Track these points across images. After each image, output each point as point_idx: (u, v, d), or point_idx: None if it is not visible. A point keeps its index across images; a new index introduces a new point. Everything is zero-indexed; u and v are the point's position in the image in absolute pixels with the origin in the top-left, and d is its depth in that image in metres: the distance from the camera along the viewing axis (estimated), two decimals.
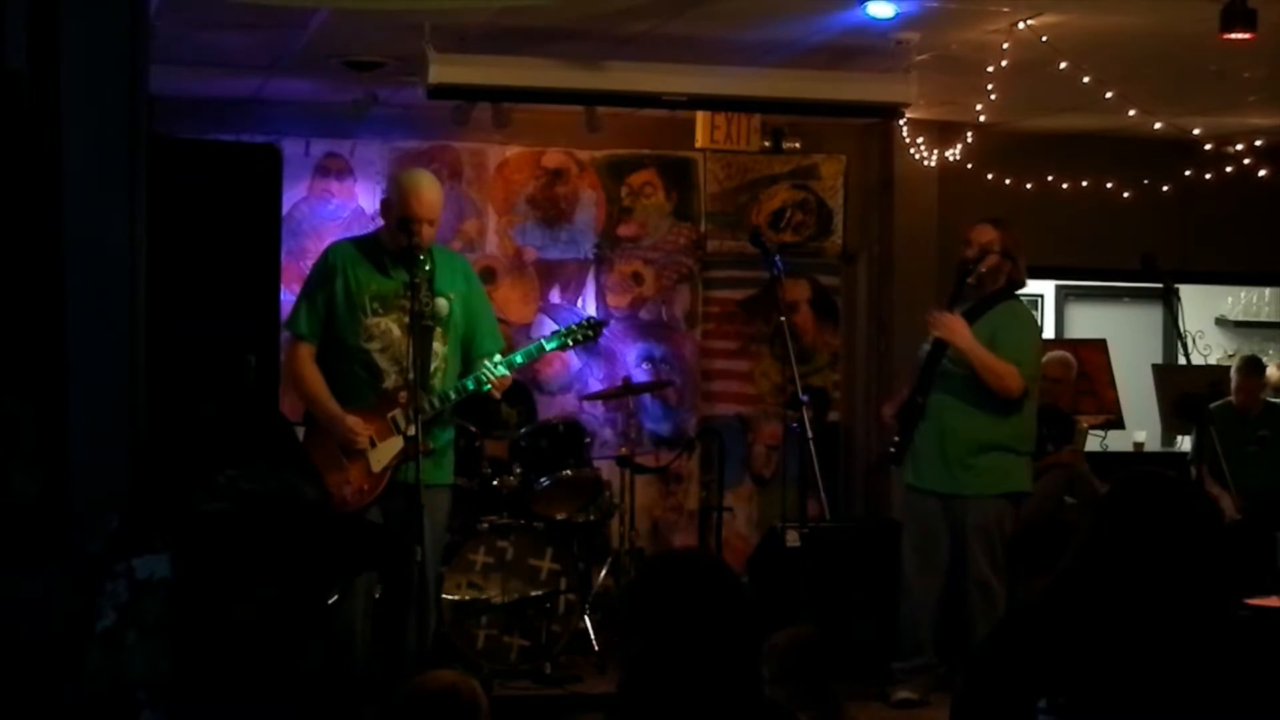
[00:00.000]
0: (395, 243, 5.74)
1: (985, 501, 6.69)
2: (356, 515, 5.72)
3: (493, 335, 6.02)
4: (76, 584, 3.37)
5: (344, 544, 5.78)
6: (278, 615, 3.02)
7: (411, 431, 5.60)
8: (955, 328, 6.62)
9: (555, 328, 8.93)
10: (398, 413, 5.74)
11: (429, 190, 5.77)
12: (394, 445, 5.74)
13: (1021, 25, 6.70)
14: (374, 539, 5.72)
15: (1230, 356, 10.48)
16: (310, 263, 8.73)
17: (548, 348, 6.09)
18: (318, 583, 3.34)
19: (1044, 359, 8.59)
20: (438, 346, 5.80)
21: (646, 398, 9.04)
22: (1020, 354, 6.67)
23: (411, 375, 5.55)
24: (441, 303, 5.81)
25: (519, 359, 5.96)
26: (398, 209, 5.72)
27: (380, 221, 6.03)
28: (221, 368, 6.85)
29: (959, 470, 6.68)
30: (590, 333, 6.20)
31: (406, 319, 5.68)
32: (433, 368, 5.76)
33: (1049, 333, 10.86)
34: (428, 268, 5.73)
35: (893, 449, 6.92)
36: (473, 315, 5.91)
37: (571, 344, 6.21)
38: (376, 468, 5.75)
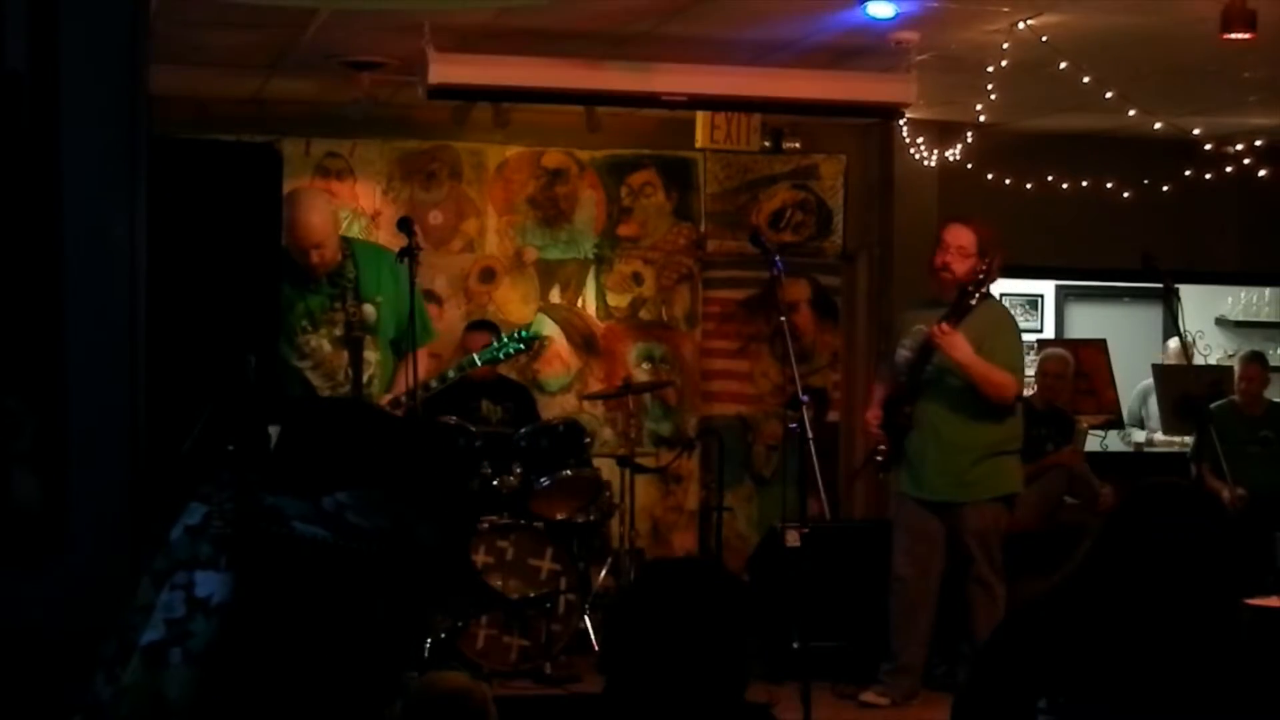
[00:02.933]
0: (300, 263, 5.78)
1: (983, 506, 6.70)
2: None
3: (422, 331, 6.08)
4: (146, 567, 3.24)
5: (448, 591, 5.60)
6: (353, 669, 2.89)
7: None
8: (959, 344, 6.57)
9: (555, 327, 9.03)
10: None
11: (311, 215, 5.78)
12: None
13: (1021, 25, 6.69)
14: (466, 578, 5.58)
15: (1230, 356, 10.48)
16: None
17: (479, 361, 6.25)
18: (406, 639, 3.20)
19: (1042, 356, 8.63)
20: (369, 355, 5.84)
21: (646, 398, 9.04)
22: (1012, 360, 6.67)
23: (414, 386, 5.54)
24: (369, 309, 5.85)
25: (451, 374, 6.10)
26: (286, 238, 5.76)
27: (379, 228, 6.04)
28: (222, 368, 6.84)
29: (960, 479, 6.67)
30: (521, 345, 6.33)
31: (336, 333, 5.75)
32: (366, 376, 5.81)
33: (1049, 332, 10.87)
34: (351, 276, 5.77)
35: (880, 458, 6.90)
36: (401, 314, 5.93)
37: (503, 357, 6.36)
38: None
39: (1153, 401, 10.31)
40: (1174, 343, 9.97)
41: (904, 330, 6.95)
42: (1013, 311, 10.66)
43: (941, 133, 8.99)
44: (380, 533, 3.03)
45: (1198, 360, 9.81)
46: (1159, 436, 10.16)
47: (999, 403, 6.60)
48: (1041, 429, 8.17)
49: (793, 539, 7.18)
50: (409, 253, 5.65)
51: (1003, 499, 6.76)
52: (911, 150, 8.90)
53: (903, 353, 6.82)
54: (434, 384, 6.26)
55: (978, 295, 6.58)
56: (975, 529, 6.68)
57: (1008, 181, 9.07)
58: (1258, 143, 8.89)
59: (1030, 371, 9.17)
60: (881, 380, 7.13)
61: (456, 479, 6.52)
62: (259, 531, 3.00)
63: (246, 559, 2.98)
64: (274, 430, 6.32)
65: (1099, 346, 9.62)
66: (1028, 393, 8.76)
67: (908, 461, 6.79)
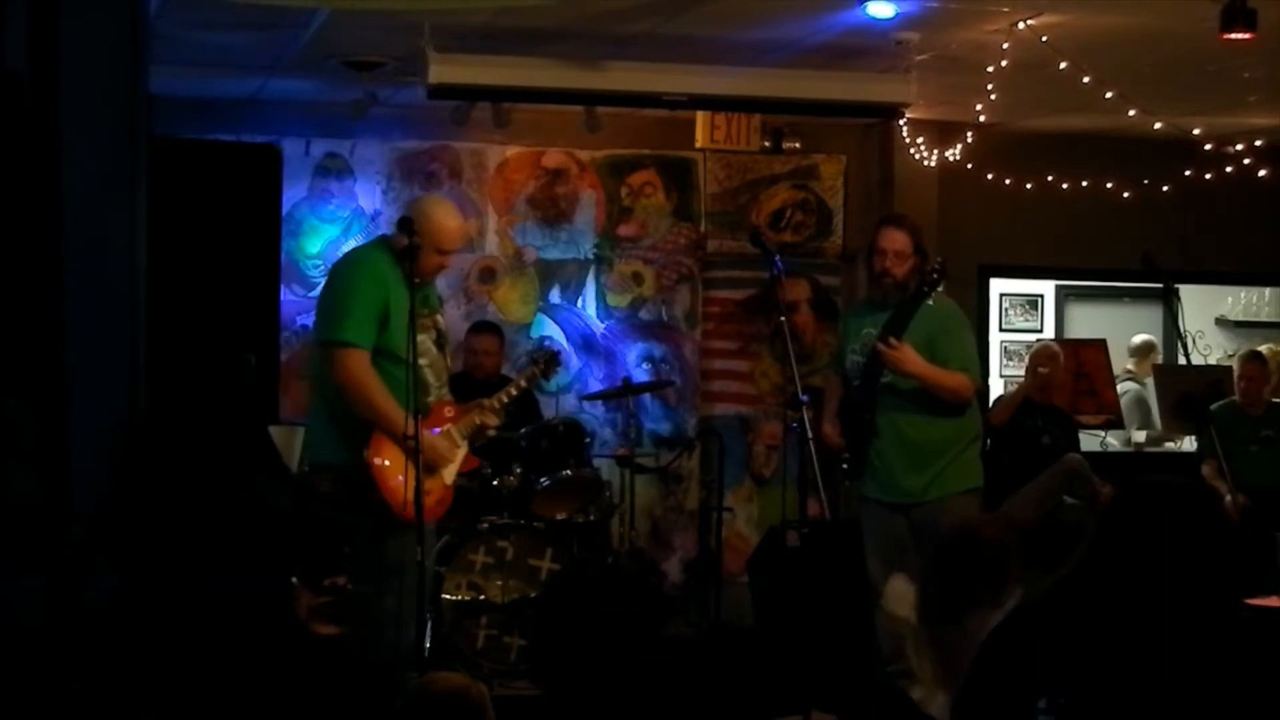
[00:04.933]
0: (423, 266, 5.75)
1: (954, 501, 6.67)
2: (328, 519, 5.76)
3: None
4: (51, 587, 3.36)
5: (315, 547, 5.83)
6: (245, 622, 3.02)
7: (463, 448, 5.74)
8: (909, 358, 6.52)
9: (555, 327, 9.04)
10: (450, 427, 5.80)
11: (456, 220, 5.83)
12: (458, 457, 5.83)
13: (1021, 25, 6.70)
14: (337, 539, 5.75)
15: (1230, 356, 10.48)
16: (310, 262, 8.78)
17: (523, 384, 6.31)
18: (283, 587, 3.36)
19: (1032, 352, 8.66)
20: (449, 362, 5.91)
21: (646, 398, 9.04)
22: (964, 358, 6.62)
23: (408, 383, 5.52)
24: (440, 319, 5.89)
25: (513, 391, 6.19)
26: (432, 240, 5.71)
27: (379, 229, 6.01)
28: (222, 367, 6.85)
29: (923, 478, 6.64)
30: (550, 367, 6.41)
31: (432, 337, 5.77)
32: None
33: (1049, 332, 10.87)
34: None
35: (846, 465, 6.87)
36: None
37: (543, 379, 6.43)
38: (449, 480, 5.79)
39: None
40: (1138, 339, 10.10)
41: (851, 333, 6.92)
42: (1013, 311, 10.75)
43: (941, 133, 8.99)
44: (240, 503, 3.18)
45: (1197, 360, 9.79)
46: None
47: (957, 403, 6.58)
48: (1037, 419, 8.20)
49: (793, 539, 7.19)
50: (409, 253, 5.64)
51: (970, 492, 6.75)
52: (911, 150, 8.90)
53: (853, 358, 6.78)
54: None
55: (926, 295, 6.53)
56: (952, 525, 6.65)
57: (1008, 181, 9.07)
58: (1258, 143, 8.89)
59: (1020, 372, 9.20)
60: (832, 387, 7.08)
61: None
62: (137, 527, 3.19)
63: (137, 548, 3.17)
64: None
65: (1099, 346, 9.62)
66: None
67: (872, 467, 6.75)
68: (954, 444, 6.64)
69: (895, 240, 6.67)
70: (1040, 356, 8.44)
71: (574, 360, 9.13)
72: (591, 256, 9.20)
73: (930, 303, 6.54)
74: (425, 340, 5.82)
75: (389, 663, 5.52)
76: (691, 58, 7.23)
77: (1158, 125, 8.24)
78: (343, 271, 5.69)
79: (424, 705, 3.50)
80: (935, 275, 6.54)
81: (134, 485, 4.23)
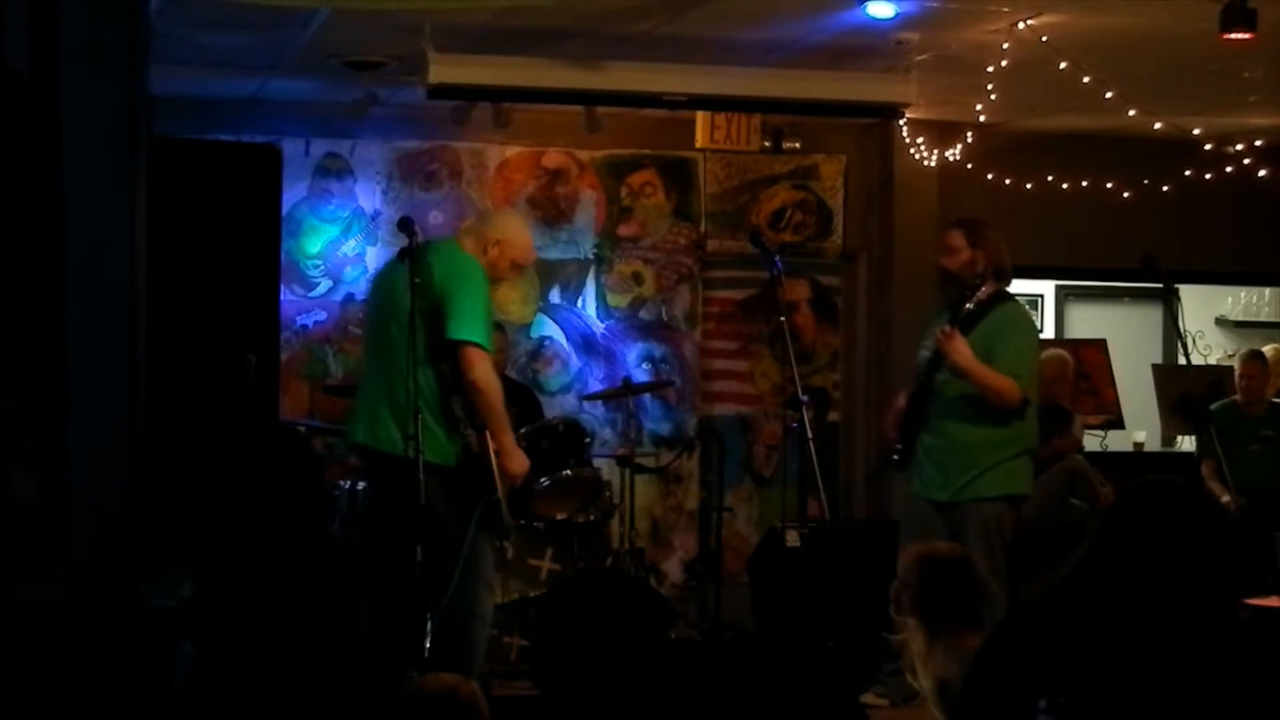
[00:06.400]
0: (498, 275, 5.88)
1: (984, 505, 6.65)
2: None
3: None
4: (146, 637, 3.35)
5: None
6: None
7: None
8: (959, 348, 6.53)
9: (555, 327, 9.04)
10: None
11: (530, 237, 6.05)
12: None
13: (1021, 25, 6.70)
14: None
15: (1230, 356, 10.49)
16: (310, 262, 8.78)
17: None
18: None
19: (1041, 357, 8.64)
20: None
21: (646, 398, 9.04)
22: (1018, 364, 6.60)
23: (409, 380, 5.52)
24: None
25: None
26: (515, 255, 5.87)
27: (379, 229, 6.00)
28: (222, 367, 6.86)
29: (962, 479, 6.63)
30: None
31: None
32: None
33: (1049, 332, 10.88)
34: None
35: (896, 456, 6.87)
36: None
37: None
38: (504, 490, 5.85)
39: None
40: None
41: (927, 332, 6.94)
42: None
43: (941, 133, 8.99)
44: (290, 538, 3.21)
45: (1197, 360, 9.80)
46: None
47: (1001, 406, 6.57)
48: (1044, 424, 8.20)
49: (793, 539, 7.18)
50: (409, 253, 5.65)
51: (1006, 498, 6.72)
52: (911, 150, 8.90)
53: (923, 353, 6.81)
54: None
55: (974, 297, 6.54)
56: (978, 528, 6.63)
57: (1008, 181, 9.07)
58: (1258, 143, 8.89)
59: None
60: (909, 387, 7.12)
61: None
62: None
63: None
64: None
65: (1099, 346, 9.62)
66: None
67: (917, 462, 6.76)
68: (997, 450, 6.62)
69: (949, 237, 6.73)
70: (1049, 371, 8.44)
71: (574, 360, 9.14)
72: (591, 256, 9.20)
73: (1002, 307, 6.57)
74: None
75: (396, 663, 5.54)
76: (691, 58, 7.23)
77: (1158, 125, 8.24)
78: (474, 275, 5.76)
79: (415, 706, 3.51)
80: (977, 278, 6.56)
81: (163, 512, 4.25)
